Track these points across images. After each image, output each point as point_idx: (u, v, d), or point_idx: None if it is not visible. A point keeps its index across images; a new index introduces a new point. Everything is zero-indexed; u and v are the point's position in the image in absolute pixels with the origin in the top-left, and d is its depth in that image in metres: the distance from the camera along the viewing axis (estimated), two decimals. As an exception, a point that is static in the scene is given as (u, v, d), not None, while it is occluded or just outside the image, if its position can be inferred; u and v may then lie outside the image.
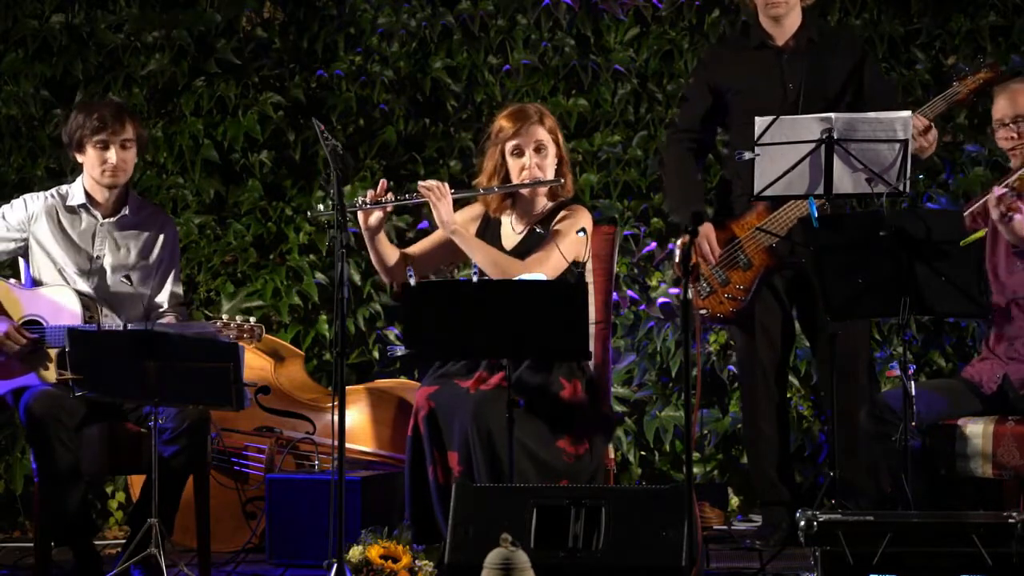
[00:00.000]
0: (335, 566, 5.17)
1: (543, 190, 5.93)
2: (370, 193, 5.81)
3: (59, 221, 6.11)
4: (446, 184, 5.80)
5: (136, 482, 6.53)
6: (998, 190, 5.60)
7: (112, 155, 6.02)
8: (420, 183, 5.82)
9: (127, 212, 6.13)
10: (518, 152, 5.89)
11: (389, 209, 5.85)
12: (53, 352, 5.89)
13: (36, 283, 6.07)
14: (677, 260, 6.28)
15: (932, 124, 6.11)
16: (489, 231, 5.99)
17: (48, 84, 7.47)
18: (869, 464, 5.99)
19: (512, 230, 5.98)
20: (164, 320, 6.07)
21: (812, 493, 6.75)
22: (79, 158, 6.09)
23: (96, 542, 6.11)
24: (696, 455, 7.14)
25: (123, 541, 6.23)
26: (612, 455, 5.98)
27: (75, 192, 6.13)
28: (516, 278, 5.53)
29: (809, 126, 5.78)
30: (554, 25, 7.41)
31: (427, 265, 5.97)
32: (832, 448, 5.90)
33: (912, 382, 5.43)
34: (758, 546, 6.34)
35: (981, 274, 5.46)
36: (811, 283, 5.98)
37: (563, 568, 5.03)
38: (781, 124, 5.79)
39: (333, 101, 7.41)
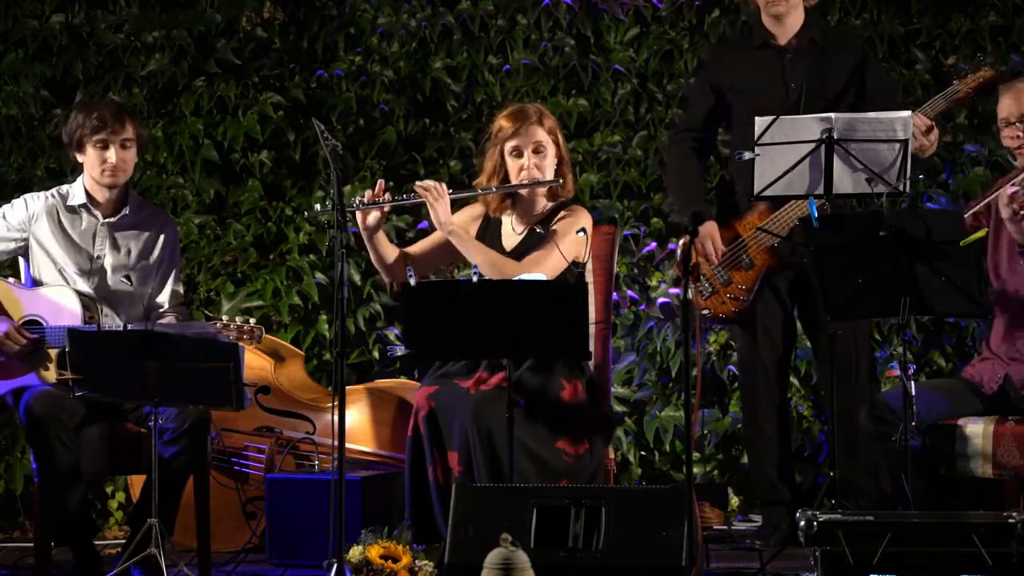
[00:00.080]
0: (335, 566, 5.17)
1: (543, 190, 5.93)
2: (368, 193, 5.82)
3: (59, 221, 6.11)
4: (444, 185, 5.80)
5: (136, 482, 6.53)
6: (1010, 189, 5.60)
7: (112, 155, 6.02)
8: (417, 183, 5.83)
9: (127, 212, 6.12)
10: (517, 153, 5.89)
11: (387, 209, 5.85)
12: (53, 352, 5.89)
13: (36, 283, 6.07)
14: (679, 260, 6.28)
15: (934, 124, 6.11)
16: (490, 231, 5.99)
17: (48, 84, 7.47)
18: (869, 464, 5.99)
19: (512, 230, 5.98)
20: (164, 320, 6.07)
21: (812, 493, 6.75)
22: (79, 158, 6.09)
23: (96, 542, 6.11)
24: (696, 455, 7.14)
25: (123, 541, 6.23)
26: (612, 455, 5.98)
27: (75, 192, 6.13)
28: (516, 278, 5.54)
29: (809, 126, 5.78)
30: (554, 25, 7.41)
31: (427, 265, 5.98)
32: (832, 448, 5.90)
33: (912, 382, 5.43)
34: (758, 546, 6.34)
35: (981, 274, 5.46)
36: (813, 283, 5.98)
37: (563, 568, 5.03)
38: (781, 124, 5.79)
39: (333, 101, 7.41)
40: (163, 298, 6.14)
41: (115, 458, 5.97)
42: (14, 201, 6.17)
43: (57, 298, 5.96)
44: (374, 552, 5.53)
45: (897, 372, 6.57)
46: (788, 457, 6.49)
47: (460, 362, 5.79)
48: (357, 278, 7.28)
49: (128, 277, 6.08)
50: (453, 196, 5.82)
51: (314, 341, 7.31)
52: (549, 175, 5.89)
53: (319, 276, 7.31)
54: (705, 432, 7.15)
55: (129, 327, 5.94)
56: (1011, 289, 5.74)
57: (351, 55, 7.46)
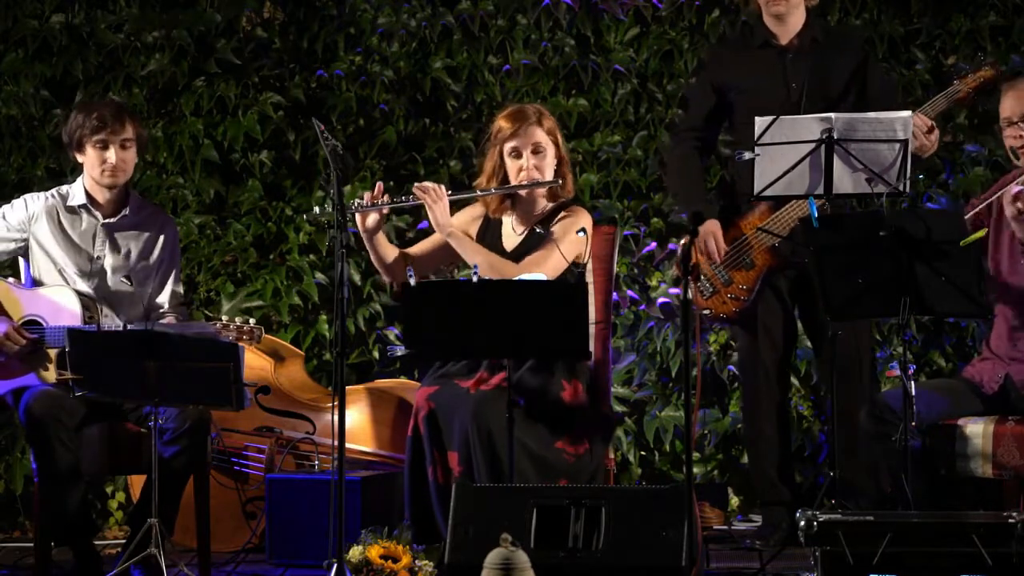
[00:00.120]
0: (335, 566, 5.17)
1: (543, 191, 5.93)
2: (366, 195, 5.82)
3: (59, 221, 6.10)
4: (442, 186, 5.80)
5: (136, 482, 6.53)
6: (1015, 188, 5.60)
7: (112, 155, 6.02)
8: (416, 185, 5.83)
9: (127, 212, 6.12)
10: (516, 153, 5.89)
11: (385, 211, 5.86)
12: (53, 352, 5.88)
13: (36, 283, 6.07)
14: (679, 260, 6.28)
15: (935, 124, 6.11)
16: (490, 232, 5.99)
17: (48, 84, 7.47)
18: (869, 464, 5.99)
19: (513, 231, 5.98)
20: (164, 320, 6.07)
21: (812, 493, 6.75)
22: (79, 158, 6.09)
23: (96, 542, 6.11)
24: (696, 455, 7.14)
25: (123, 541, 6.23)
26: (612, 455, 5.98)
27: (75, 192, 6.12)
28: (516, 278, 5.54)
29: (809, 126, 5.78)
30: (554, 25, 7.41)
31: (427, 266, 5.98)
32: (832, 448, 5.90)
33: (912, 382, 5.43)
34: (758, 546, 6.34)
35: (981, 274, 5.46)
36: (813, 283, 5.97)
37: (563, 568, 5.03)
38: (781, 124, 5.79)
39: (333, 101, 7.41)
40: (163, 298, 6.13)
41: (115, 458, 5.97)
42: (14, 201, 6.16)
43: (57, 298, 5.96)
44: (374, 552, 5.53)
45: (897, 372, 6.57)
46: (788, 457, 6.49)
47: (460, 362, 5.79)
48: (357, 278, 7.28)
49: (128, 277, 6.07)
50: (452, 198, 5.82)
51: (314, 341, 7.31)
52: (549, 175, 5.89)
53: (319, 276, 7.31)
54: (705, 432, 7.15)
55: (129, 327, 5.94)
56: (1012, 289, 5.74)
57: (351, 55, 7.46)
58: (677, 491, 5.09)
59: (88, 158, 6.05)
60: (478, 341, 5.42)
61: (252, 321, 5.99)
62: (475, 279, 5.43)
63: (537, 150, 5.88)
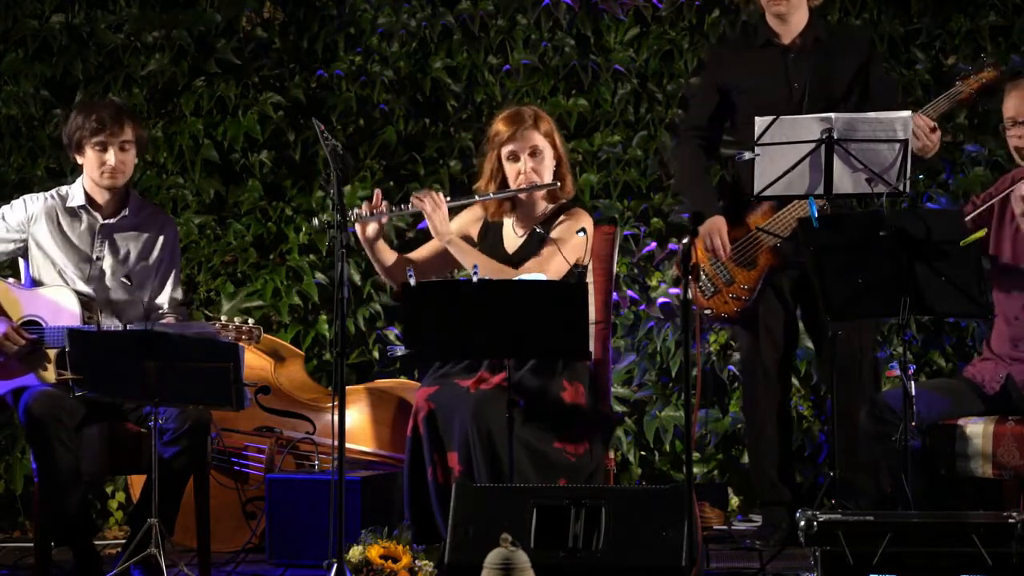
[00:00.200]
0: (335, 566, 5.17)
1: (542, 193, 5.93)
2: (365, 205, 5.82)
3: (59, 222, 6.10)
4: (440, 193, 5.80)
5: (136, 482, 6.53)
6: (1023, 187, 5.61)
7: (111, 157, 6.01)
8: (414, 193, 5.84)
9: (127, 213, 6.12)
10: (514, 157, 5.89)
11: (385, 220, 5.86)
12: (52, 352, 5.88)
13: (36, 283, 6.07)
14: (679, 260, 6.28)
15: (937, 125, 6.10)
16: (490, 235, 5.99)
17: (48, 84, 7.46)
18: (869, 464, 5.99)
19: (514, 232, 5.98)
20: (164, 320, 6.07)
21: (812, 493, 6.74)
22: (78, 159, 6.09)
23: (96, 542, 6.11)
24: (696, 455, 7.14)
25: (123, 541, 6.23)
26: (612, 455, 5.98)
27: (75, 193, 6.12)
28: (517, 278, 5.54)
29: (809, 126, 5.78)
30: (554, 25, 7.41)
31: (427, 272, 5.97)
32: (832, 448, 5.90)
33: (912, 382, 5.43)
34: (758, 546, 6.34)
35: (981, 274, 5.45)
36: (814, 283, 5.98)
37: (563, 568, 5.03)
38: (781, 124, 5.79)
39: (333, 101, 7.41)
40: (163, 299, 6.13)
41: (115, 458, 5.97)
42: (13, 202, 6.16)
43: (56, 298, 5.96)
44: (374, 552, 5.53)
45: (897, 372, 6.57)
46: (788, 457, 6.48)
47: (461, 362, 5.79)
48: (357, 278, 7.28)
49: (128, 277, 6.07)
50: (451, 204, 5.83)
51: (314, 341, 7.31)
52: (547, 178, 5.89)
53: (319, 276, 7.31)
54: (705, 432, 7.14)
55: (129, 327, 5.93)
56: (1013, 290, 5.73)
57: (351, 55, 7.46)
58: (677, 491, 5.09)
59: (87, 160, 6.05)
60: (478, 341, 5.42)
61: (251, 321, 5.99)
62: (475, 279, 5.43)
63: (535, 153, 5.88)
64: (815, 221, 5.53)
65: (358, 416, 6.49)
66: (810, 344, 6.79)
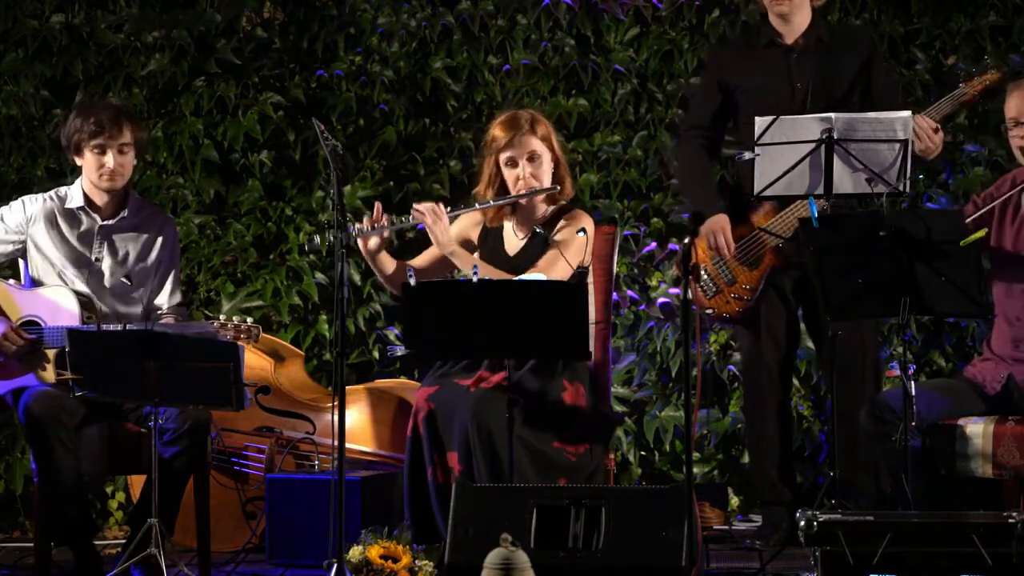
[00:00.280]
0: (335, 566, 5.17)
1: (541, 195, 5.93)
2: (366, 219, 5.82)
3: (58, 224, 6.09)
4: (441, 204, 5.80)
5: (136, 482, 6.53)
6: None
7: (110, 159, 6.00)
8: (415, 206, 5.83)
9: (126, 214, 6.11)
10: (512, 163, 5.89)
11: (386, 234, 5.86)
12: (51, 352, 5.88)
13: (36, 284, 6.06)
14: (679, 260, 6.28)
15: (939, 126, 6.10)
16: (490, 238, 5.99)
17: (48, 84, 7.46)
18: (869, 464, 5.99)
19: (515, 235, 5.98)
20: (163, 320, 6.07)
21: (812, 493, 6.74)
22: (77, 161, 6.08)
23: (96, 542, 6.11)
24: (696, 455, 7.14)
25: (123, 541, 6.23)
26: (612, 455, 5.98)
27: (74, 194, 6.12)
28: (516, 279, 5.54)
29: (809, 126, 5.78)
30: (554, 25, 7.41)
31: (428, 277, 5.95)
32: (832, 448, 5.90)
33: (912, 382, 5.43)
34: (758, 546, 6.34)
35: (981, 274, 5.45)
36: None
37: (563, 568, 5.03)
38: (781, 124, 5.79)
39: (333, 101, 7.41)
40: (162, 299, 6.13)
41: (115, 458, 5.97)
42: (12, 203, 6.15)
43: (55, 298, 5.96)
44: (374, 552, 5.53)
45: (897, 372, 6.57)
46: (789, 457, 6.48)
47: (461, 363, 5.79)
48: (357, 278, 7.28)
49: (128, 277, 6.07)
50: (451, 214, 5.82)
51: (314, 341, 7.31)
52: (546, 181, 5.89)
53: (319, 276, 7.31)
54: (705, 432, 7.14)
55: (129, 327, 5.93)
56: (1013, 290, 5.73)
57: (351, 55, 7.46)
58: (677, 491, 5.08)
59: (86, 162, 6.04)
60: (478, 341, 5.42)
61: (249, 320, 5.99)
62: (475, 279, 5.42)
63: (533, 158, 5.88)
64: (815, 221, 5.53)
65: (358, 416, 6.49)
66: (811, 344, 6.79)
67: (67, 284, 6.02)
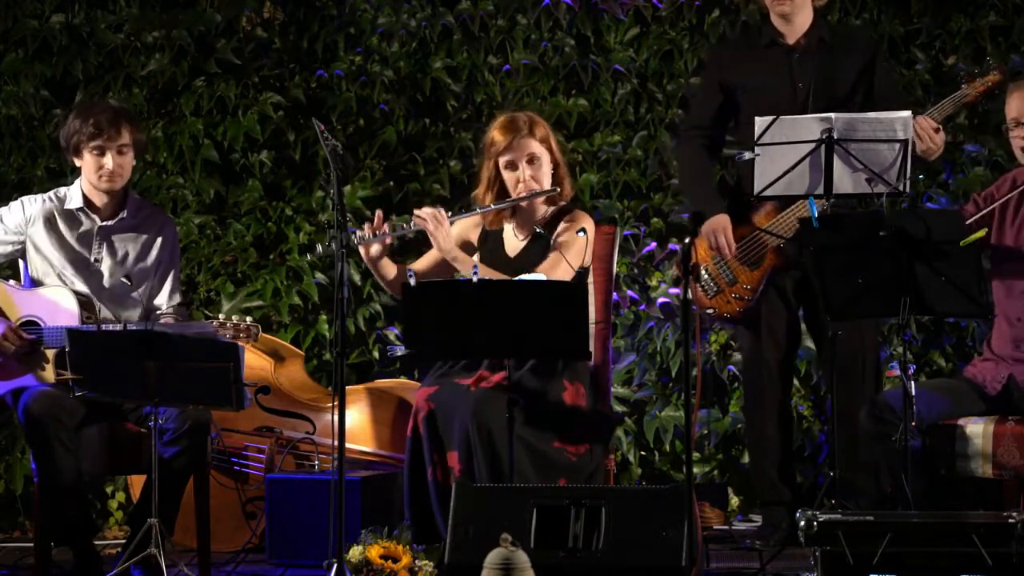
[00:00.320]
0: (335, 566, 5.17)
1: (541, 197, 5.93)
2: (367, 226, 5.82)
3: (57, 225, 6.09)
4: (442, 210, 5.79)
5: (136, 482, 6.53)
6: None
7: (109, 161, 6.00)
8: (416, 212, 5.83)
9: (125, 215, 6.11)
10: (511, 166, 5.89)
11: (388, 241, 5.86)
12: (51, 353, 5.88)
13: (36, 284, 6.06)
14: (679, 260, 6.28)
15: (941, 127, 6.10)
16: (491, 239, 5.99)
17: (48, 84, 7.46)
18: (869, 464, 5.99)
19: (515, 237, 5.98)
20: (163, 320, 6.06)
21: (812, 493, 6.74)
22: (76, 162, 6.08)
23: (96, 542, 6.10)
24: (696, 455, 7.14)
25: (123, 541, 6.23)
26: (612, 455, 5.98)
27: (73, 195, 6.11)
28: (516, 279, 5.54)
29: (809, 126, 5.78)
30: (554, 25, 7.41)
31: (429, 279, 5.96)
32: (832, 448, 5.90)
33: (912, 382, 5.43)
34: (758, 546, 6.34)
35: (981, 274, 5.45)
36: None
37: (563, 568, 5.03)
38: (781, 124, 5.79)
39: (333, 101, 7.41)
40: (161, 300, 6.13)
41: (115, 458, 5.97)
42: (12, 204, 6.15)
43: (54, 298, 5.96)
44: (374, 552, 5.53)
45: (897, 372, 6.57)
46: (789, 457, 6.48)
47: (461, 363, 5.79)
48: (357, 278, 7.28)
49: (128, 277, 6.07)
50: (452, 219, 5.82)
51: (314, 341, 7.31)
52: (546, 183, 5.89)
53: (319, 276, 7.31)
54: (705, 432, 7.14)
55: (129, 327, 5.93)
56: (1013, 291, 5.73)
57: (351, 55, 7.46)
58: (677, 491, 5.08)
59: (85, 163, 6.04)
60: (478, 341, 5.42)
61: (249, 319, 5.99)
62: (475, 279, 5.42)
63: (532, 160, 5.88)
64: (815, 221, 5.53)
65: (358, 416, 6.49)
66: (811, 344, 6.79)
67: (66, 284, 6.01)
